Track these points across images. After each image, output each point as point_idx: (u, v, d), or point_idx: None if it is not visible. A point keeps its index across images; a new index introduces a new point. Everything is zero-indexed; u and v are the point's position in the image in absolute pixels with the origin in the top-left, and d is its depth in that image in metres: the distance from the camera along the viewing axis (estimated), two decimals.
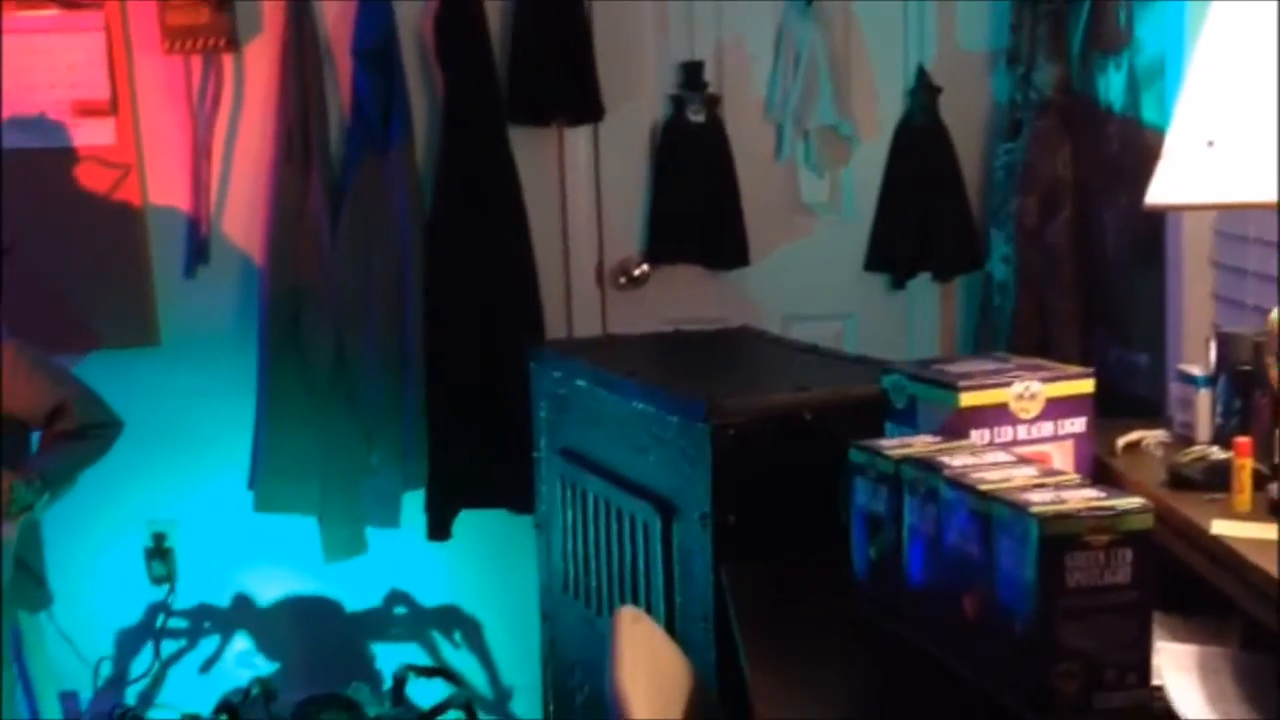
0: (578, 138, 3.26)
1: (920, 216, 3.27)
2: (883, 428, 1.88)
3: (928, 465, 1.59)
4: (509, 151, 3.15)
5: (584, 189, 3.28)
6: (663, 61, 3.26)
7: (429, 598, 3.44)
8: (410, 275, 3.15)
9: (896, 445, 1.71)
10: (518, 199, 3.15)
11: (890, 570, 1.66)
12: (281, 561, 3.39)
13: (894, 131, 3.30)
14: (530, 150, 3.20)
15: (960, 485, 1.51)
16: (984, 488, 1.47)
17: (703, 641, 2.05)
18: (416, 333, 3.15)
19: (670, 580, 2.16)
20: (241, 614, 3.42)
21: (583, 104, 3.16)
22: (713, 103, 3.24)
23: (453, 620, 3.44)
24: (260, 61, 3.19)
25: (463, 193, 3.14)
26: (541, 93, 3.13)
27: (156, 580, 3.38)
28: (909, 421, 1.82)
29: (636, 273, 3.32)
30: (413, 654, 3.41)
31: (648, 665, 1.58)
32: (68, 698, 3.27)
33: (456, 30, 3.11)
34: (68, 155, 3.20)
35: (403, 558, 3.38)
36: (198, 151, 3.21)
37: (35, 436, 2.95)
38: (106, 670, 3.40)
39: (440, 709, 2.94)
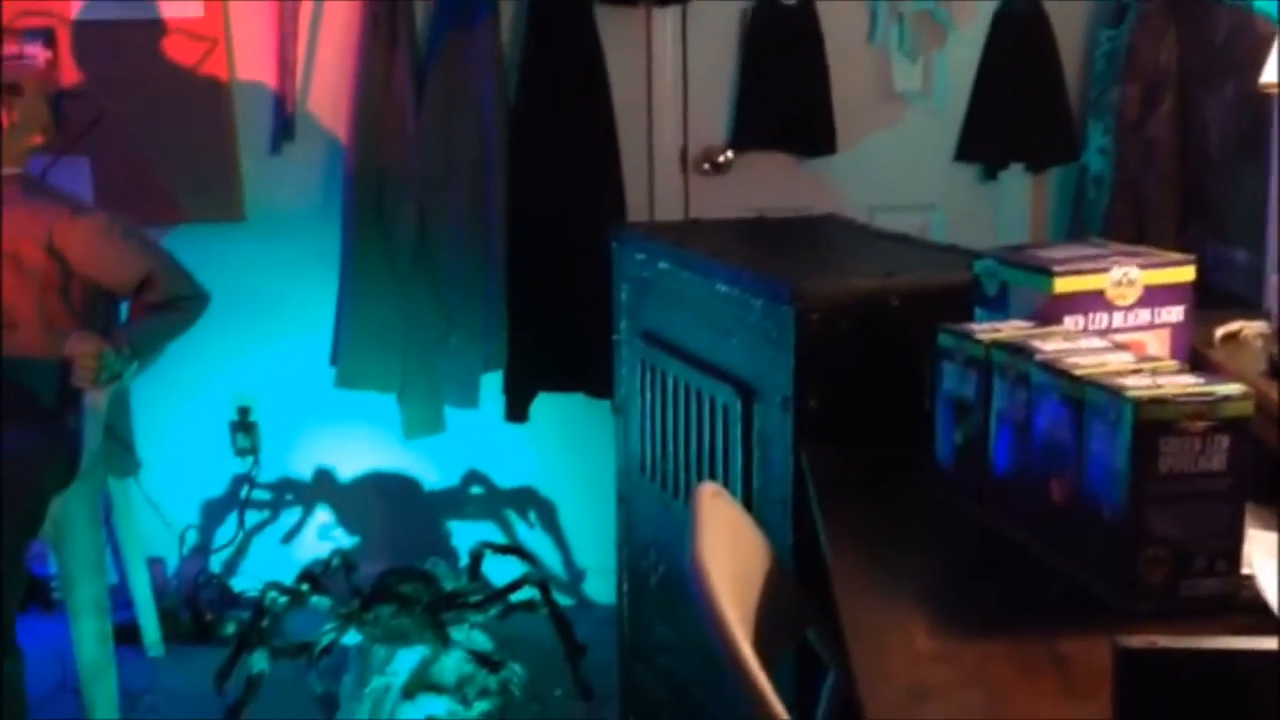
0: (665, 19, 3.20)
1: (1015, 106, 3.18)
2: (972, 315, 1.84)
3: (1019, 349, 1.55)
4: (595, 32, 3.10)
5: (670, 72, 3.23)
6: None
7: (505, 478, 3.48)
8: (493, 156, 3.13)
9: (987, 330, 1.67)
10: (602, 79, 3.12)
11: (976, 455, 1.63)
12: (361, 437, 3.44)
13: (993, 17, 3.20)
14: (616, 31, 3.16)
15: (1052, 369, 1.47)
16: (1077, 372, 1.44)
17: (780, 525, 2.04)
18: (498, 213, 3.15)
19: (749, 463, 2.15)
20: (322, 488, 3.48)
21: None
22: None
23: (528, 501, 3.48)
24: None
25: (547, 74, 3.11)
26: None
27: (240, 452, 3.45)
28: (1000, 308, 1.77)
29: (721, 159, 3.28)
30: (488, 532, 3.46)
31: (727, 541, 1.58)
32: (154, 563, 3.37)
33: None
34: (156, 27, 3.21)
35: (480, 438, 3.42)
36: (284, 26, 3.20)
37: (124, 307, 3.01)
38: (192, 538, 3.49)
39: (515, 586, 2.99)
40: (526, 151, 3.13)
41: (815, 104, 3.19)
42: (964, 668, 1.29)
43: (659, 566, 2.55)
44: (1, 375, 2.78)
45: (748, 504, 2.14)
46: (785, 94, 3.18)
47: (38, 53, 3.06)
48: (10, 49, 3.07)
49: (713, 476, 2.26)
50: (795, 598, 1.77)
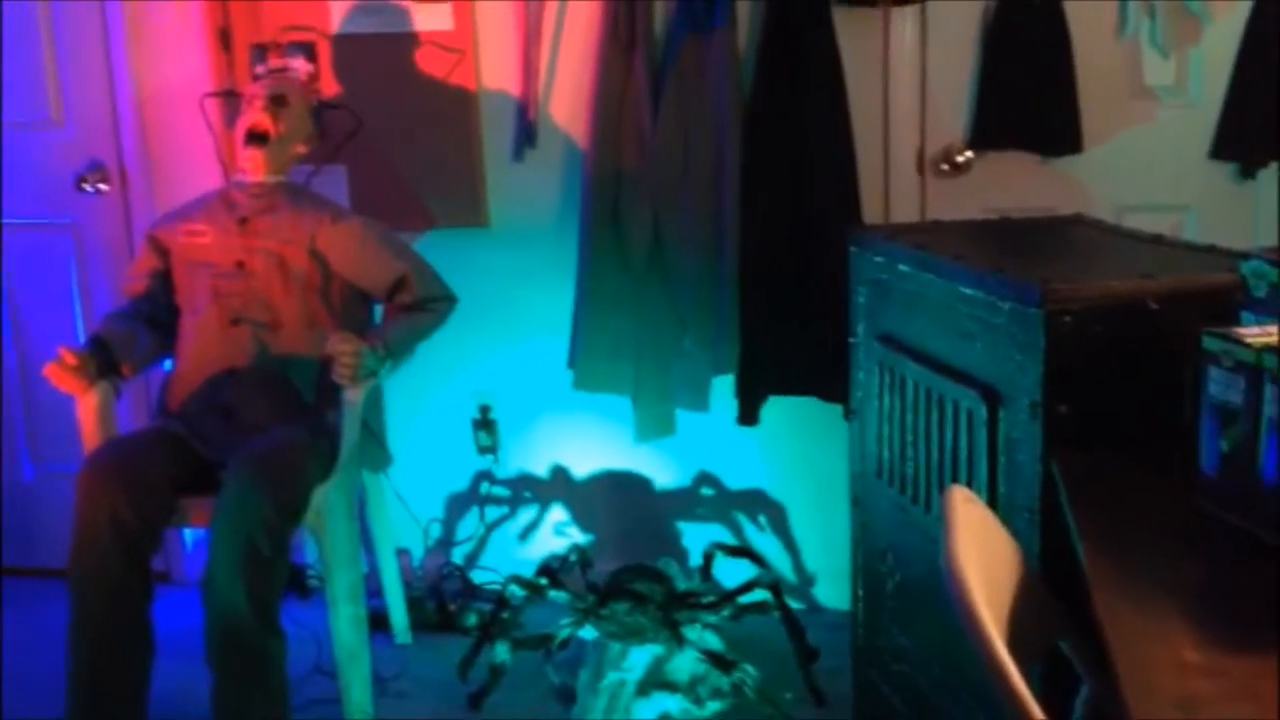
0: (904, 18, 3.16)
1: (1276, 102, 3.02)
2: (1236, 318, 1.76)
3: None
4: (832, 34, 3.09)
5: (908, 71, 3.19)
6: None
7: (735, 480, 3.50)
8: (728, 158, 3.15)
9: (1257, 334, 1.60)
10: (839, 81, 3.10)
11: (1244, 464, 1.57)
12: (596, 437, 3.51)
13: (1251, 8, 3.05)
14: (854, 31, 3.13)
15: None
16: None
17: (1027, 532, 2.00)
18: (732, 216, 3.16)
19: (994, 469, 2.11)
20: (558, 485, 3.57)
21: None
22: None
23: (758, 503, 3.49)
24: None
25: (783, 75, 3.11)
26: None
27: (482, 450, 3.57)
28: (1270, 310, 1.70)
29: (960, 159, 3.22)
30: (718, 534, 3.49)
31: (978, 546, 1.55)
32: (401, 554, 3.52)
33: None
34: (409, 39, 3.34)
35: (711, 440, 3.45)
36: (529, 36, 3.30)
37: (377, 309, 3.16)
38: (436, 531, 3.63)
39: (747, 587, 3.01)
40: (762, 155, 3.14)
41: (1060, 101, 3.10)
42: (1233, 681, 1.25)
43: (896, 572, 2.52)
44: (270, 372, 2.95)
45: (992, 510, 2.10)
46: (1028, 92, 3.10)
47: (301, 66, 3.24)
48: (276, 63, 3.26)
49: (954, 481, 2.22)
50: (1047, 606, 1.73)
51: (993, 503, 2.11)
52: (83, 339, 3.44)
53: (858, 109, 3.13)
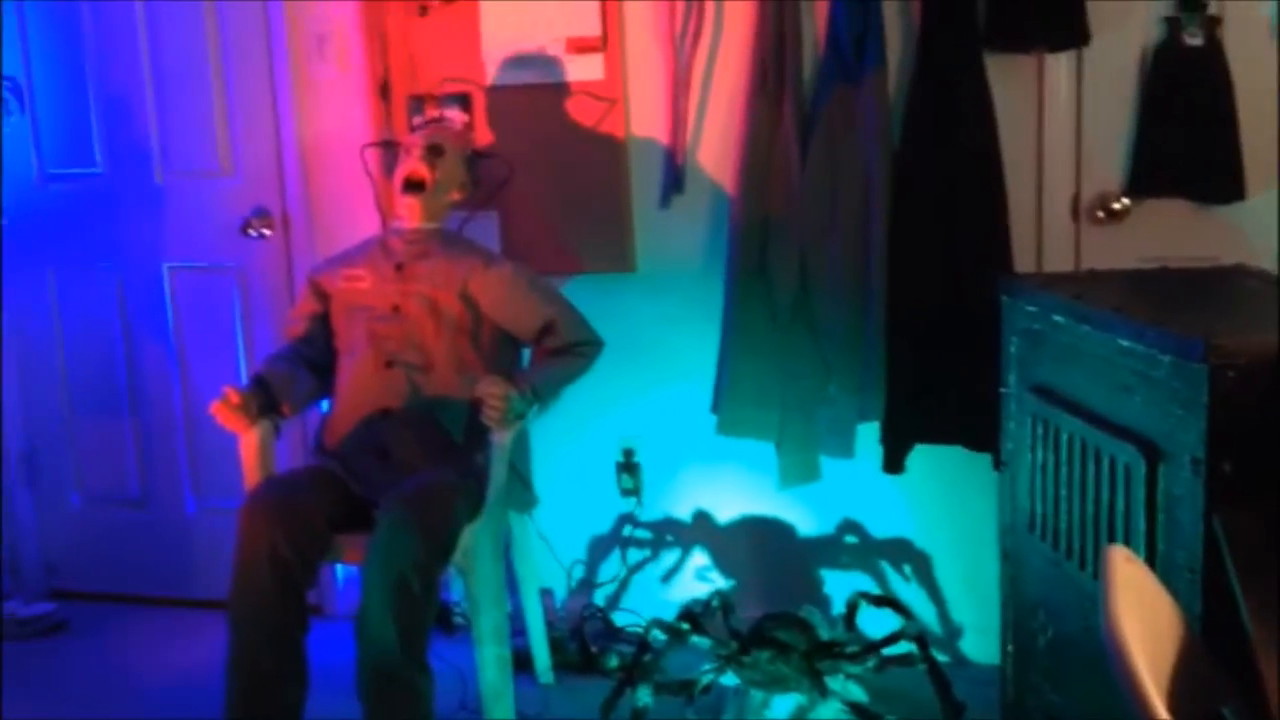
0: (1059, 64, 3.12)
1: None
2: None
3: None
4: (984, 80, 3.06)
5: (1063, 118, 3.14)
6: None
7: (880, 528, 3.46)
8: (876, 206, 3.14)
9: None
10: (991, 128, 3.06)
11: None
12: (739, 483, 3.51)
13: None
14: (1006, 78, 3.10)
15: None
16: None
17: (1188, 593, 1.94)
18: (879, 263, 3.14)
19: (1153, 527, 2.06)
20: (701, 529, 3.57)
21: (1067, 28, 3.02)
22: (1212, 24, 3.00)
23: (903, 553, 3.44)
24: None
25: (933, 122, 3.09)
26: (1023, 18, 3.02)
27: (625, 493, 3.60)
28: None
29: (1116, 206, 3.15)
30: (862, 582, 3.44)
31: (1139, 607, 1.52)
32: (545, 594, 3.55)
33: None
34: (561, 90, 3.42)
35: (855, 487, 3.42)
36: (678, 84, 3.34)
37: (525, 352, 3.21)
38: (579, 573, 3.66)
39: (892, 639, 2.96)
40: (910, 201, 3.12)
41: (1221, 148, 3.01)
42: None
43: (1049, 628, 2.47)
44: (422, 413, 3.02)
45: (1151, 569, 2.04)
46: (1188, 137, 3.03)
47: (456, 116, 3.34)
48: (433, 113, 3.36)
49: (1110, 538, 2.17)
50: (1209, 670, 1.67)
51: (1151, 561, 2.05)
52: (245, 378, 3.58)
53: (1010, 155, 3.09)
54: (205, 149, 3.76)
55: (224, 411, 2.92)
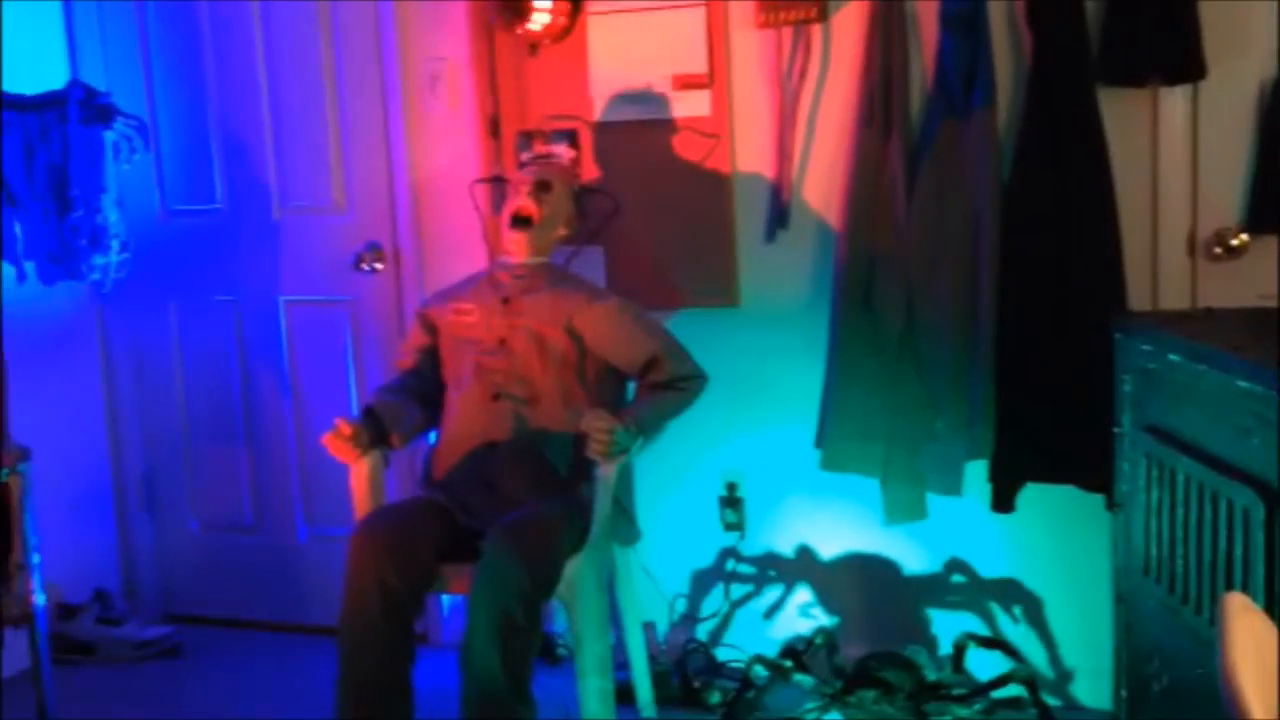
0: (1174, 98, 3.06)
1: None
2: None
3: None
4: (1097, 114, 3.01)
5: (1179, 152, 3.08)
6: (1275, 14, 2.98)
7: (988, 569, 3.40)
8: (984, 241, 3.10)
9: None
10: (1104, 163, 3.01)
11: None
12: (843, 519, 3.48)
13: None
14: (1120, 112, 3.05)
15: None
16: None
17: None
18: (988, 299, 3.10)
19: (1272, 573, 2.00)
20: (804, 565, 3.55)
21: (1182, 62, 2.96)
22: None
23: (1012, 594, 3.38)
24: (847, 31, 3.26)
25: (1044, 157, 3.04)
26: (1136, 51, 2.97)
27: (728, 527, 3.59)
28: None
29: (1234, 242, 3.08)
30: (969, 623, 3.39)
31: (1258, 658, 1.47)
32: (647, 627, 3.55)
33: None
34: (667, 126, 3.45)
35: (963, 526, 3.37)
36: (784, 120, 3.35)
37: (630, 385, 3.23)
38: (681, 606, 3.66)
39: (1001, 681, 2.91)
40: (1021, 236, 3.08)
41: None
42: None
43: (1164, 675, 2.41)
44: (528, 446, 3.05)
45: (1269, 615, 1.98)
46: None
47: (564, 152, 3.38)
48: (541, 149, 3.41)
49: (1229, 584, 2.11)
50: None
51: (1270, 608, 1.99)
52: (356, 410, 3.65)
53: (1124, 190, 3.04)
54: (320, 186, 3.86)
55: (335, 442, 2.98)
